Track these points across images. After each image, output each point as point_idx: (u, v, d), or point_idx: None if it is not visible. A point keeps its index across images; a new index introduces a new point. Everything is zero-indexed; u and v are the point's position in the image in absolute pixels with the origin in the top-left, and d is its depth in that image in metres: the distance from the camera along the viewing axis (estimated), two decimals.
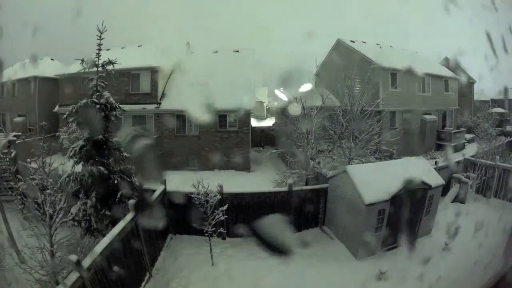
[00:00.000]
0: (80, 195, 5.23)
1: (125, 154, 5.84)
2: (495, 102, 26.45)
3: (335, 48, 17.88)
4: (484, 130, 12.76)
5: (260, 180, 11.01)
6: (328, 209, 7.16)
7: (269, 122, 25.58)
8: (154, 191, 6.09)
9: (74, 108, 5.40)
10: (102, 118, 5.58)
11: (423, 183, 6.12)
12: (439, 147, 15.89)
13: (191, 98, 12.92)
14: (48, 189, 4.10)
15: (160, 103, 13.45)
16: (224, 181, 6.68)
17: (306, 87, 9.80)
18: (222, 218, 5.72)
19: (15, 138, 8.70)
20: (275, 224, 3.03)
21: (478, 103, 23.07)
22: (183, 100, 13.19)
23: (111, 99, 5.67)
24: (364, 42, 17.46)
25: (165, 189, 6.41)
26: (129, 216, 4.73)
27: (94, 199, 5.24)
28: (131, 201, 4.91)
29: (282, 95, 11.02)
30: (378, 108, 12.88)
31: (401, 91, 14.83)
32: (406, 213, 6.09)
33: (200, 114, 12.25)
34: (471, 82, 21.34)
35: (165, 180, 6.52)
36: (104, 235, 4.37)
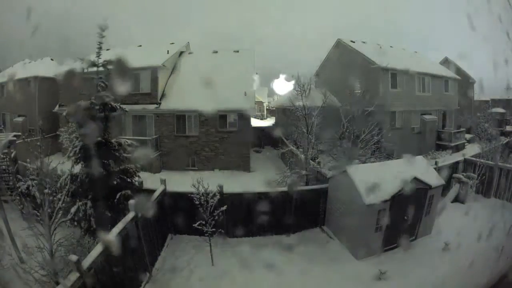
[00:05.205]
0: (79, 195, 5.22)
1: (125, 154, 5.83)
2: (495, 102, 26.48)
3: (335, 48, 17.86)
4: (484, 130, 12.74)
5: (260, 180, 10.99)
6: (328, 209, 7.15)
7: (269, 122, 25.58)
8: (154, 191, 6.08)
9: (73, 107, 5.39)
10: (101, 119, 5.58)
11: (423, 183, 6.11)
12: (439, 147, 15.88)
13: (191, 98, 12.93)
14: (46, 188, 4.09)
15: (160, 103, 13.44)
16: (224, 181, 6.68)
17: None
18: (221, 217, 5.71)
19: (15, 138, 8.69)
20: None
21: (478, 103, 23.07)
22: (183, 100, 13.21)
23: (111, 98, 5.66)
24: (364, 42, 17.44)
25: (165, 189, 6.41)
26: (129, 216, 4.72)
27: (91, 199, 5.23)
28: (131, 201, 4.90)
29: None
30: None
31: (401, 91, 14.82)
32: (406, 213, 6.09)
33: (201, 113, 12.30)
34: (471, 82, 21.34)
35: (165, 180, 6.52)
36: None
